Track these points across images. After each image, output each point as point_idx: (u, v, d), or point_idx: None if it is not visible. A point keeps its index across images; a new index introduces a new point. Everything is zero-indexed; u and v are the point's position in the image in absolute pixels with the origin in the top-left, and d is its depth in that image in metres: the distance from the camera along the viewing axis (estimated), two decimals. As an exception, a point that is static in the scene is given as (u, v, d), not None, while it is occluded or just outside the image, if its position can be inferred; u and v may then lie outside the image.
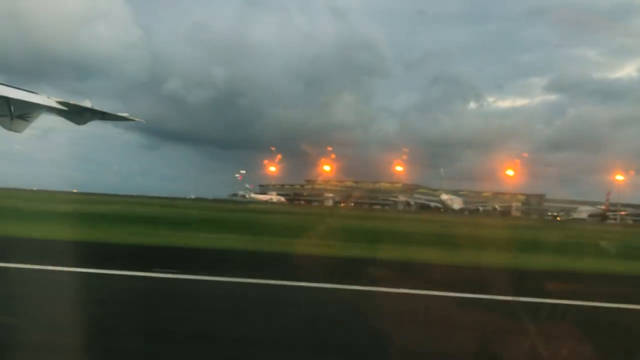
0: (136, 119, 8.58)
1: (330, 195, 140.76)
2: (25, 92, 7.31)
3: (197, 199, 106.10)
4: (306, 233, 20.10)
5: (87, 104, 7.85)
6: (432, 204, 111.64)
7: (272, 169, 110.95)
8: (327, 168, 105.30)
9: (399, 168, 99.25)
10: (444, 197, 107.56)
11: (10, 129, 7.26)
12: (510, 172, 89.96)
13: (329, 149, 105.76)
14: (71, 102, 7.75)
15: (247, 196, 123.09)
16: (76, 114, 7.78)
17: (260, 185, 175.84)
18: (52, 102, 7.62)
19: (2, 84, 6.53)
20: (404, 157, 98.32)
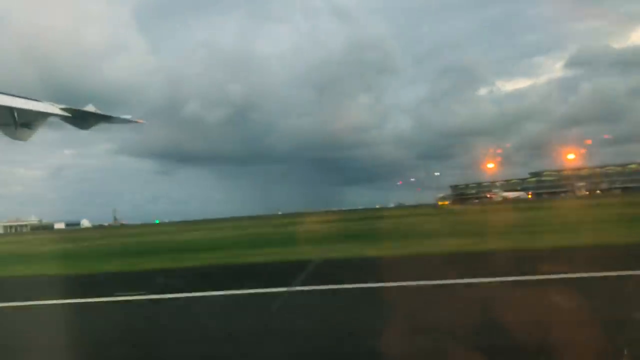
0: (139, 121, 8.53)
1: (582, 183, 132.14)
2: (27, 100, 7.25)
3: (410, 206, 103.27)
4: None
5: (90, 108, 7.80)
6: None
7: (490, 165, 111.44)
8: (571, 157, 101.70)
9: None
10: None
11: (15, 138, 7.22)
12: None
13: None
14: (74, 108, 7.67)
15: (496, 196, 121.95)
16: (80, 119, 7.73)
17: (452, 186, 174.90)
18: (55, 109, 7.56)
19: (4, 93, 6.47)
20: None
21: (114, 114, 8.18)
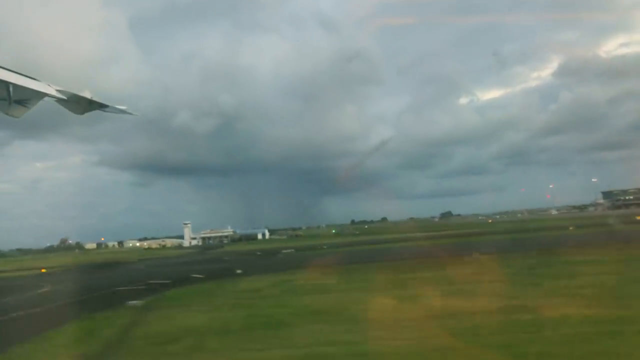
0: (134, 113, 8.59)
1: None
2: (25, 78, 7.33)
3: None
4: None
5: (86, 94, 7.87)
6: None
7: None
8: None
9: None
10: None
11: (7, 114, 7.26)
12: None
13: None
14: (70, 92, 7.75)
15: None
16: (75, 103, 7.77)
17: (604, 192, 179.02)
18: (51, 90, 7.64)
19: (2, 67, 6.54)
20: None
21: (109, 103, 8.26)
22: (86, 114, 7.85)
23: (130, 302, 26.87)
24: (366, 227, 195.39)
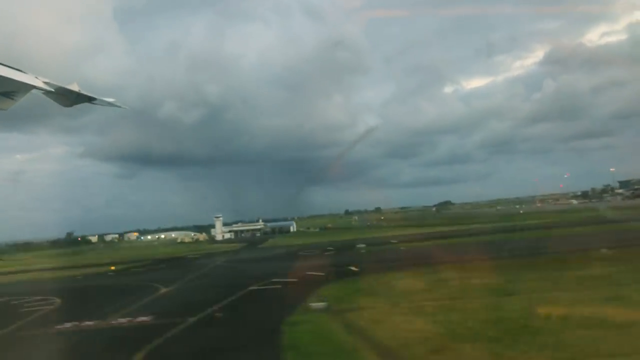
0: (122, 106, 8.60)
1: None
2: (12, 70, 7.40)
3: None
4: None
5: (74, 87, 7.91)
6: None
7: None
8: None
9: None
10: None
11: (-6, 106, 7.35)
12: None
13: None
14: (58, 84, 7.81)
15: None
16: (62, 96, 7.83)
17: (621, 182, 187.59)
18: (39, 83, 7.71)
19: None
20: None
21: (97, 96, 8.33)
22: (73, 107, 7.96)
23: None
24: (382, 218, 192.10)
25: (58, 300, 36.56)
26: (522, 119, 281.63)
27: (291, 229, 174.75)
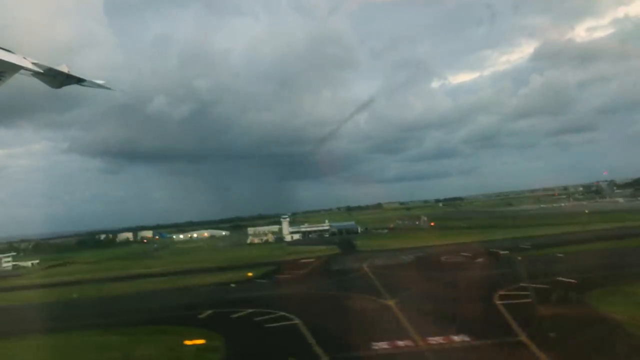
0: (112, 89, 8.40)
1: None
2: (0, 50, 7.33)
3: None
4: None
5: (64, 68, 7.80)
6: None
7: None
8: None
9: None
10: None
11: (-17, 86, 7.33)
12: None
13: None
14: (47, 66, 7.70)
15: None
16: (52, 77, 7.73)
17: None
18: (27, 63, 7.63)
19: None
20: None
21: (87, 78, 8.21)
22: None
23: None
24: (425, 218, 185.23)
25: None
26: (509, 113, 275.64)
27: (359, 230, 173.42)
